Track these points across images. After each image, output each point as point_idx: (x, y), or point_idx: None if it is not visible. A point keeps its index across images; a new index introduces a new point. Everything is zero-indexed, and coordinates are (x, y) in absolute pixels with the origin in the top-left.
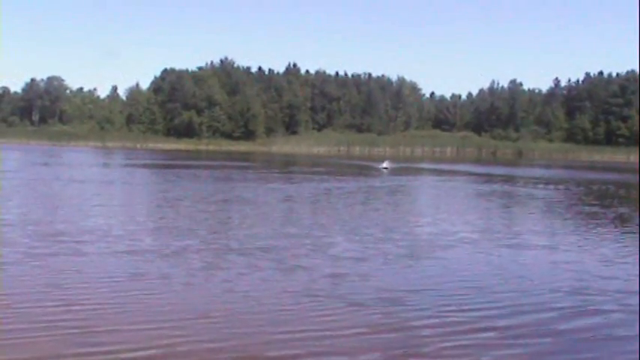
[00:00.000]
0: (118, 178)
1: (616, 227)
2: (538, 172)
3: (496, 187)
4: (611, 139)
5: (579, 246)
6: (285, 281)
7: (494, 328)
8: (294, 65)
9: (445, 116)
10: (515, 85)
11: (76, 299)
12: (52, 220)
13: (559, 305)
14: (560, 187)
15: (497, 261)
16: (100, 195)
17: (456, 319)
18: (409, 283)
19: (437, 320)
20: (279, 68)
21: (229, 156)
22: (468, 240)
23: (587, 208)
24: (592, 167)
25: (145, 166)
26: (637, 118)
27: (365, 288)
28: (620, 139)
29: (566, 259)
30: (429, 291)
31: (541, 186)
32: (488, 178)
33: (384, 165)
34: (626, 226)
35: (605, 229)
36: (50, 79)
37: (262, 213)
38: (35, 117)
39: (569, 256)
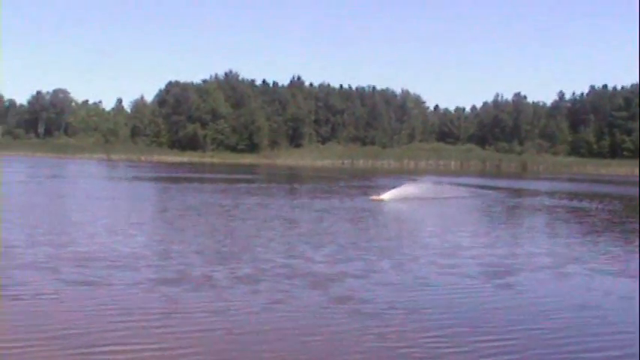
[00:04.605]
0: (137, 195)
1: None
2: (558, 185)
3: (536, 201)
4: (615, 153)
5: None
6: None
7: None
8: (299, 78)
9: (449, 129)
10: (519, 98)
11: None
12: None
13: None
14: (595, 201)
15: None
16: (129, 213)
17: None
18: None
19: None
20: (284, 81)
21: (234, 169)
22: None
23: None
24: (611, 181)
25: (155, 179)
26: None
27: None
28: (625, 153)
29: None
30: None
31: (578, 201)
32: (517, 193)
33: (384, 196)
34: None
35: None
36: (56, 91)
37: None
38: (41, 129)
39: None
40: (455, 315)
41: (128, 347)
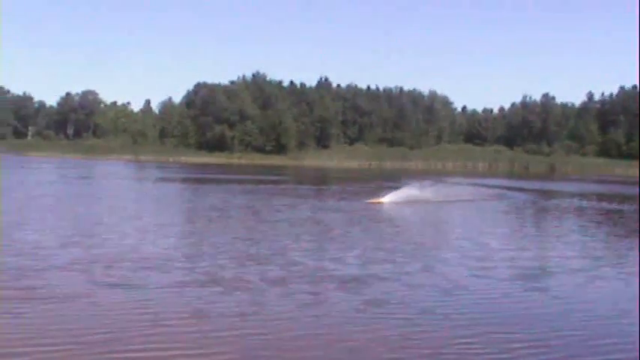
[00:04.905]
0: (166, 196)
1: None
2: (587, 186)
3: (565, 203)
4: None
5: None
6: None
7: None
8: (326, 79)
9: (477, 130)
10: (547, 98)
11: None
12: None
13: None
14: (626, 203)
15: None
16: (165, 217)
17: None
18: None
19: None
20: (311, 82)
21: (262, 170)
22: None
23: None
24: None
25: (183, 180)
26: None
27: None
28: None
29: None
30: None
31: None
32: (546, 194)
33: (384, 199)
34: None
35: None
36: (85, 93)
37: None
38: (70, 130)
39: None
40: (490, 320)
41: (159, 352)
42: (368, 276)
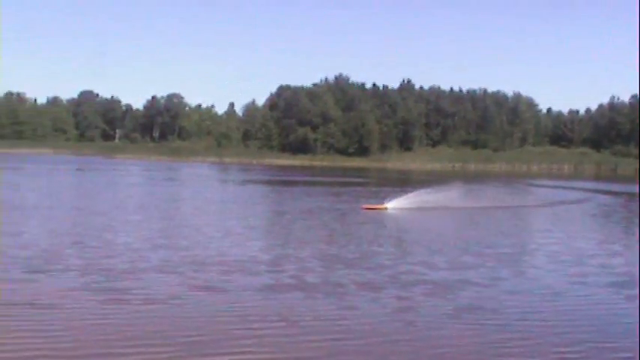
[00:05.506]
0: (251, 198)
1: None
2: None
3: None
4: None
5: None
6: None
7: None
8: (409, 81)
9: (563, 132)
10: (636, 99)
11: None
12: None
13: None
14: None
15: None
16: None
17: None
18: None
19: None
20: (394, 84)
21: (345, 172)
22: None
23: None
24: None
25: (267, 182)
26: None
27: None
28: None
29: None
30: None
31: None
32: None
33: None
34: None
35: None
36: (170, 96)
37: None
38: (156, 133)
39: None
40: (588, 328)
41: (249, 356)
42: (458, 281)
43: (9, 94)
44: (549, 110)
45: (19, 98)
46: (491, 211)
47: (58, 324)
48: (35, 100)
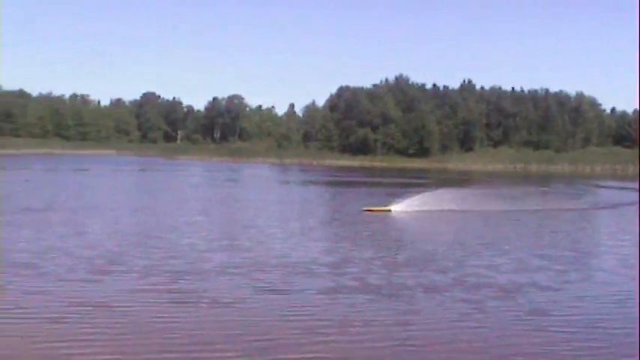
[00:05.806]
0: (312, 199)
1: None
2: None
3: None
4: None
5: None
6: None
7: None
8: (469, 81)
9: (627, 132)
10: None
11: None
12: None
13: None
14: None
15: None
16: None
17: None
18: None
19: None
20: (454, 84)
21: (405, 173)
22: None
23: None
24: None
25: (328, 183)
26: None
27: None
28: None
29: None
30: None
31: None
32: None
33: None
34: None
35: None
36: (231, 97)
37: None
38: (216, 134)
39: None
40: None
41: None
42: (526, 284)
43: (73, 97)
44: (613, 110)
45: (83, 100)
46: (559, 213)
47: (126, 326)
48: (99, 101)
